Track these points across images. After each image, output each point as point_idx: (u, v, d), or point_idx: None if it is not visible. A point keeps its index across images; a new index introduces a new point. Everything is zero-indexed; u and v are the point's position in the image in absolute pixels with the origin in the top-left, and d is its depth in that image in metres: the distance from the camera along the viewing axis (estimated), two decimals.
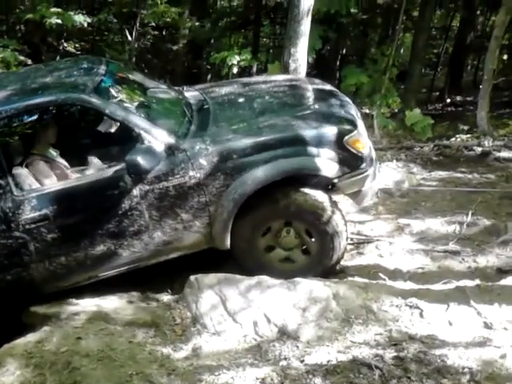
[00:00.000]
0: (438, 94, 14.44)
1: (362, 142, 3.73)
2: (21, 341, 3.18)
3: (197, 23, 11.43)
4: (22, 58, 7.38)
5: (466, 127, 8.19)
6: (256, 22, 12.45)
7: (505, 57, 11.79)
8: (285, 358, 2.85)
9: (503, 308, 3.03)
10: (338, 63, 13.85)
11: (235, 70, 8.58)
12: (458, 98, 13.86)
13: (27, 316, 3.60)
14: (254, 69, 13.29)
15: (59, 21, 7.76)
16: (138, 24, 10.40)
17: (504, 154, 6.44)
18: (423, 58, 11.27)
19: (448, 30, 15.22)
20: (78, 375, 2.82)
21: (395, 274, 3.69)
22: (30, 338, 3.20)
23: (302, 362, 2.79)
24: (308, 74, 6.35)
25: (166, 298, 3.72)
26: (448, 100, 13.65)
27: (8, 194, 3.41)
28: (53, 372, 2.86)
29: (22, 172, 3.66)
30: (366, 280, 3.56)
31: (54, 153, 4.09)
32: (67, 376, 2.83)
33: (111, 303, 3.55)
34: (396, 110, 9.26)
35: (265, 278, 3.41)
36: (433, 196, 5.10)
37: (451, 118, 10.73)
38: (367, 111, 8.81)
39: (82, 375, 2.82)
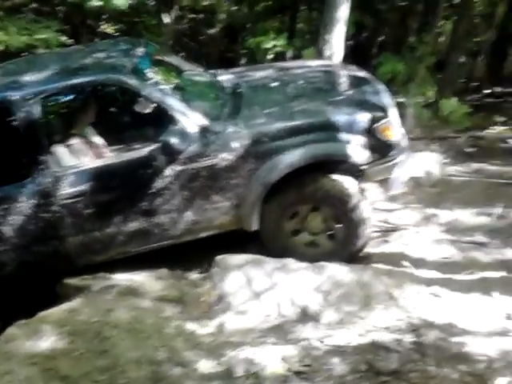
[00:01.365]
0: (476, 84, 14.04)
1: (393, 129, 3.72)
2: (55, 310, 3.32)
3: (234, 7, 11.42)
4: (63, 38, 7.52)
5: (502, 119, 7.97)
6: (293, 7, 12.34)
7: None
8: (306, 339, 2.91)
9: None
10: (375, 50, 13.61)
11: (270, 55, 8.56)
12: (498, 89, 13.44)
13: (61, 287, 3.74)
14: (289, 54, 13.19)
15: (100, 3, 7.89)
16: (175, 7, 10.47)
17: None
18: (463, 47, 10.95)
19: (492, 18, 14.72)
20: (107, 344, 2.94)
21: (419, 263, 3.70)
22: (64, 307, 3.34)
23: (322, 342, 2.85)
24: (344, 61, 6.30)
25: (193, 275, 3.82)
26: (487, 91, 13.25)
27: (47, 170, 3.56)
28: (84, 340, 2.99)
29: (60, 149, 3.80)
30: (389, 267, 3.59)
31: (91, 132, 4.23)
32: (97, 345, 2.95)
33: (141, 279, 3.66)
34: (431, 100, 9.08)
35: (291, 261, 3.47)
36: (464, 187, 5.02)
37: (489, 110, 10.43)
38: (402, 100, 8.67)
39: (110, 344, 2.94)
